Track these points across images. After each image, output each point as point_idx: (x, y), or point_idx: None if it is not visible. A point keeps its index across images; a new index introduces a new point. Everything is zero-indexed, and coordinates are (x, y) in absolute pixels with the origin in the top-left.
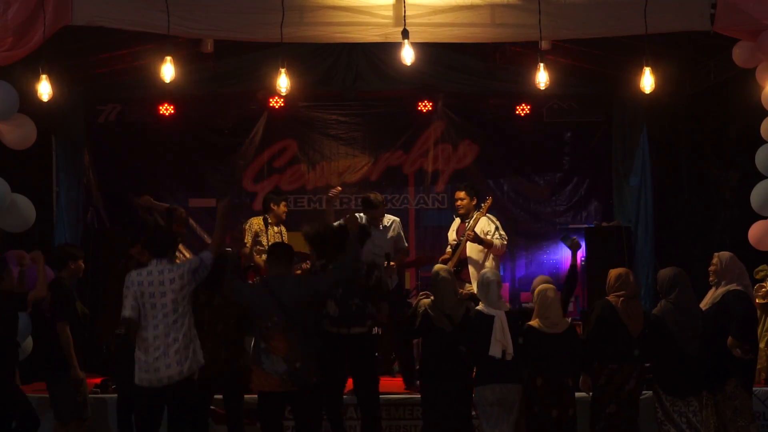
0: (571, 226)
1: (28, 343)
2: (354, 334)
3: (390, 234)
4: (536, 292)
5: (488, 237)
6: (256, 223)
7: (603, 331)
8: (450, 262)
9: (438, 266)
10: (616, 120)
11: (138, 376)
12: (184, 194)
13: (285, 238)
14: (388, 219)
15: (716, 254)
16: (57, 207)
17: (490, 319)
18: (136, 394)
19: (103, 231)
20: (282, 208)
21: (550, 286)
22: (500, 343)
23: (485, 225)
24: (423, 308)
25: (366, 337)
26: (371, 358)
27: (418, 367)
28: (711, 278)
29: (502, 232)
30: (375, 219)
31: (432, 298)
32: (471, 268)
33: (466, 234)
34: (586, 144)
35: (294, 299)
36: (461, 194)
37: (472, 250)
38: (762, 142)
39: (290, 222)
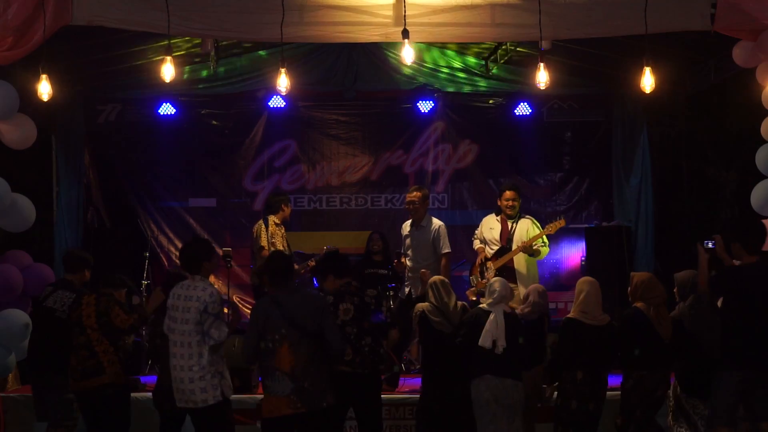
0: (571, 225)
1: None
2: (365, 374)
3: (427, 235)
4: (577, 285)
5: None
6: (262, 225)
7: (634, 337)
8: (494, 263)
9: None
10: (616, 120)
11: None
12: (184, 194)
13: (284, 239)
14: (429, 221)
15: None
16: (57, 207)
17: (488, 314)
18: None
19: (103, 231)
20: (289, 208)
21: (590, 279)
22: (490, 333)
23: (532, 230)
24: (420, 311)
25: (375, 379)
26: (378, 402)
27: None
28: None
29: (546, 239)
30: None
31: (428, 302)
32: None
33: (521, 244)
34: (586, 144)
35: (301, 314)
36: (513, 194)
37: (518, 257)
38: (762, 142)
39: (291, 222)
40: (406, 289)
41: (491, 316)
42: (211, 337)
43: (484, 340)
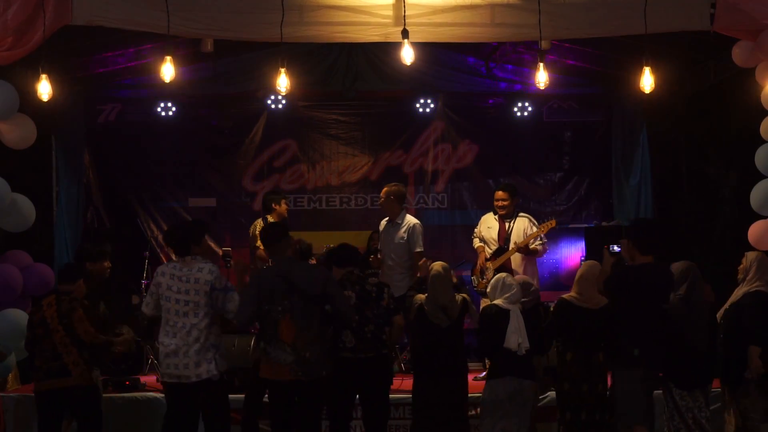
0: (571, 225)
1: None
2: (368, 357)
3: (400, 233)
4: (579, 268)
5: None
6: (260, 225)
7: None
8: (492, 263)
9: (436, 263)
10: (616, 120)
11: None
12: (184, 194)
13: None
14: (404, 218)
15: (746, 253)
16: (57, 207)
17: (506, 312)
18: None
19: (103, 231)
20: (283, 206)
21: (591, 262)
22: (515, 335)
23: (528, 227)
24: (418, 303)
25: (380, 362)
26: (385, 386)
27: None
28: (739, 276)
29: (543, 236)
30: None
31: (426, 293)
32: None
33: (516, 245)
34: (586, 144)
35: (305, 285)
36: (503, 194)
37: (516, 256)
38: (762, 141)
39: (290, 221)
40: None
41: (512, 316)
42: (228, 311)
43: (510, 342)
